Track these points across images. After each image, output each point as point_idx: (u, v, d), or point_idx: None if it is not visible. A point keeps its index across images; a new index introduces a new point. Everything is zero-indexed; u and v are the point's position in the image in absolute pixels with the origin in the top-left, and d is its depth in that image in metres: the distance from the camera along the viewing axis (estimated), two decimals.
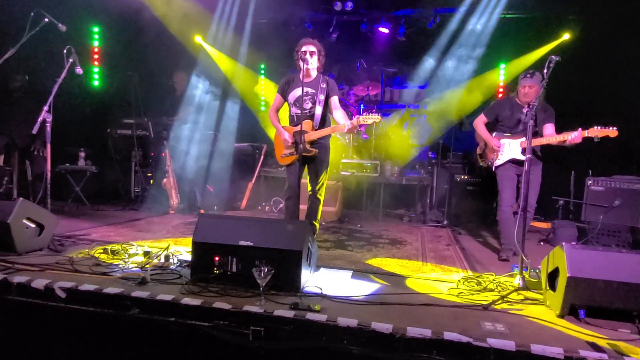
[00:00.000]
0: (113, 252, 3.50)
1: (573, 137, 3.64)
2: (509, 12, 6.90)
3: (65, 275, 2.92)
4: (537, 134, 4.02)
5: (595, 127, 3.57)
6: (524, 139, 3.97)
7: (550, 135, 3.92)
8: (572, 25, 6.63)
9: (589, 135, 3.60)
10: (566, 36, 6.69)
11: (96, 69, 6.95)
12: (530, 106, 3.20)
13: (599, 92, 5.99)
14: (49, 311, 2.63)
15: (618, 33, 5.85)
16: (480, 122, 4.33)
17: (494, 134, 4.28)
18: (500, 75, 7.52)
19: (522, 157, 3.89)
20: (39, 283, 2.67)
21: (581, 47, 6.23)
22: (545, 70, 3.18)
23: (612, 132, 3.54)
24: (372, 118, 3.79)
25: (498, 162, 4.18)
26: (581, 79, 5.93)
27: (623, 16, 5.77)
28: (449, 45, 7.40)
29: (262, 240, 2.85)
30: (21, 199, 3.41)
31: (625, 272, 2.51)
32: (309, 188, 4.14)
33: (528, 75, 3.99)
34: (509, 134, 4.18)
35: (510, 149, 4.12)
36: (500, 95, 7.31)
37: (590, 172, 5.00)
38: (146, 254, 3.44)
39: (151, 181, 6.37)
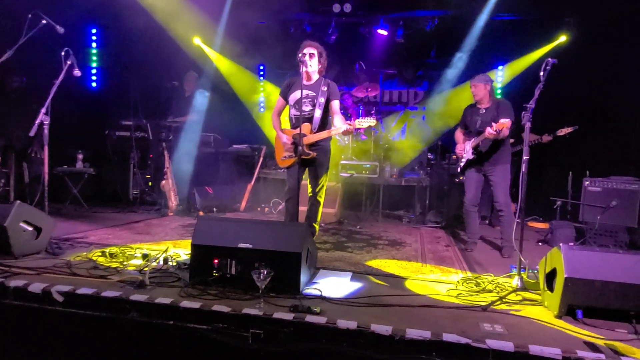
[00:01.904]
0: (111, 255, 3.49)
1: (490, 130, 3.86)
2: (506, 14, 6.92)
3: (63, 279, 2.91)
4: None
5: (504, 120, 3.83)
6: (473, 139, 4.31)
7: (486, 132, 4.02)
8: (569, 27, 6.67)
9: (497, 130, 3.84)
10: (562, 38, 6.73)
11: (94, 71, 6.95)
12: (528, 108, 3.22)
13: (596, 94, 6.03)
14: (47, 315, 2.62)
15: (613, 35, 5.89)
16: (457, 133, 4.65)
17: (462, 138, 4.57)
18: (499, 77, 7.55)
19: (470, 157, 4.33)
20: (36, 287, 2.66)
21: (577, 49, 6.27)
22: (541, 73, 3.20)
23: (504, 124, 3.79)
24: (367, 122, 3.80)
25: (461, 164, 4.47)
26: (578, 80, 5.96)
27: (618, 19, 5.80)
28: (448, 47, 7.43)
29: (261, 243, 2.85)
30: (18, 201, 3.40)
31: (622, 273, 2.53)
32: (309, 190, 4.14)
33: (473, 77, 4.35)
34: (472, 137, 4.38)
35: (466, 151, 4.37)
36: (499, 94, 7.33)
37: (587, 172, 5.03)
38: (145, 256, 3.43)
39: (149, 183, 6.37)
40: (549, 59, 3.18)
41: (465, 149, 4.40)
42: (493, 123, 3.91)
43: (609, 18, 5.99)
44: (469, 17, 6.91)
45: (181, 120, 6.25)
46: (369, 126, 3.86)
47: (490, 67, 7.43)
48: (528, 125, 3.22)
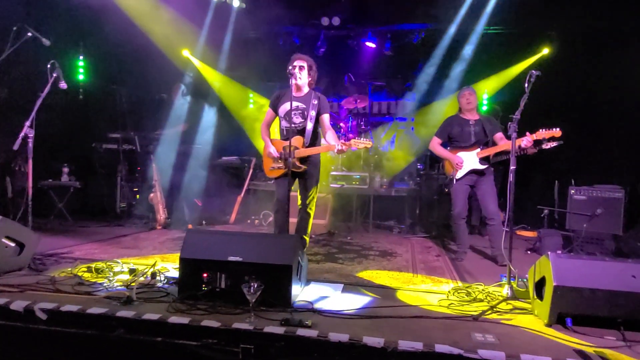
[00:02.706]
0: (97, 271, 3.42)
1: (525, 142, 3.86)
2: (491, 28, 7.08)
3: (47, 296, 2.84)
4: (487, 144, 4.36)
5: (541, 130, 3.83)
6: (479, 149, 4.32)
7: (506, 142, 4.15)
8: (551, 40, 6.84)
9: (537, 138, 3.86)
10: (545, 51, 6.89)
11: (81, 84, 6.89)
12: (514, 119, 3.27)
13: (579, 104, 6.17)
14: (30, 334, 2.54)
15: (593, 48, 6.04)
16: (435, 144, 4.61)
17: (447, 148, 4.56)
18: (484, 88, 7.67)
19: (480, 167, 4.31)
20: (19, 305, 2.59)
21: (560, 61, 6.42)
22: (526, 84, 3.26)
23: (556, 132, 3.76)
24: (364, 143, 3.81)
25: (459, 175, 4.41)
26: (561, 92, 6.09)
27: (597, 33, 5.96)
28: (435, 59, 7.54)
29: (251, 255, 2.82)
30: (0, 216, 3.32)
31: (609, 280, 2.56)
32: (299, 202, 4.13)
33: (465, 87, 4.49)
34: (464, 148, 4.40)
35: (468, 161, 4.35)
36: (484, 107, 7.45)
37: (573, 181, 5.10)
38: (132, 271, 3.37)
39: (137, 196, 6.29)
40: (533, 70, 3.25)
41: (463, 160, 4.34)
42: (533, 133, 3.82)
43: (588, 32, 6.15)
44: (454, 30, 7.04)
45: (170, 132, 6.22)
46: (365, 147, 3.87)
47: (476, 79, 7.55)
48: (514, 135, 3.27)
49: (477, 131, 4.36)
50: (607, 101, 5.84)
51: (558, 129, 3.77)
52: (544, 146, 5.21)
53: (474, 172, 4.35)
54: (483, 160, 4.33)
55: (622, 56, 5.63)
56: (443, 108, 7.57)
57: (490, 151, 4.27)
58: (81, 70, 6.90)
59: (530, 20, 6.67)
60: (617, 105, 5.77)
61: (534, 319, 2.75)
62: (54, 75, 3.83)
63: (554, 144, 5.11)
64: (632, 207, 4.93)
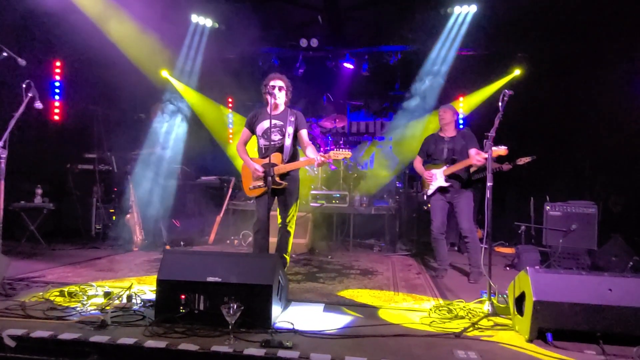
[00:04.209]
0: (70, 295, 3.30)
1: (479, 158, 4.01)
2: (465, 50, 7.33)
3: (16, 322, 2.71)
4: (454, 161, 4.39)
5: (497, 147, 3.77)
6: (445, 167, 4.38)
7: (466, 159, 4.23)
8: (522, 62, 7.12)
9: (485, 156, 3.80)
10: (517, 72, 7.17)
11: (57, 104, 6.76)
12: (489, 137, 3.35)
13: (551, 123, 6.39)
14: None
15: (562, 69, 6.31)
16: (416, 163, 4.71)
17: (426, 165, 4.66)
18: (460, 107, 7.90)
19: (445, 184, 4.37)
20: None
21: (531, 82, 6.68)
22: (500, 103, 3.36)
23: (502, 150, 3.72)
24: (342, 154, 3.85)
25: (429, 192, 4.52)
26: (534, 111, 6.31)
27: (565, 55, 6.24)
28: (411, 80, 7.74)
29: (230, 276, 2.77)
30: None
31: (588, 294, 2.60)
32: (279, 220, 4.10)
33: (442, 105, 4.63)
34: (437, 165, 4.50)
35: (436, 178, 4.44)
36: (461, 125, 7.64)
37: (547, 197, 5.24)
38: (107, 294, 3.26)
39: (113, 217, 6.14)
40: (506, 90, 3.36)
41: (434, 177, 4.46)
42: (488, 150, 3.89)
43: (556, 54, 6.43)
44: (430, 52, 7.27)
45: (147, 152, 6.14)
46: (344, 157, 3.91)
47: (451, 99, 7.77)
48: (490, 152, 3.35)
49: (449, 148, 4.41)
50: (577, 119, 6.07)
51: (505, 148, 3.75)
52: (518, 162, 5.38)
53: (440, 189, 4.42)
54: (450, 177, 4.39)
55: (589, 76, 5.90)
56: (420, 127, 7.74)
57: (453, 169, 4.33)
58: (57, 90, 6.79)
59: (501, 42, 6.96)
60: (586, 123, 5.99)
61: (515, 335, 2.77)
62: (29, 95, 3.75)
63: (528, 159, 5.28)
64: (604, 222, 5.08)
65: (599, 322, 2.56)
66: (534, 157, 5.25)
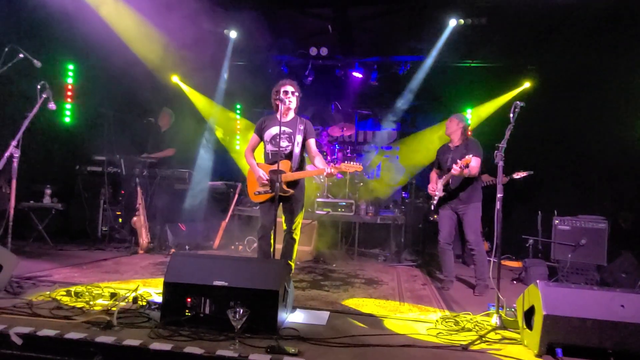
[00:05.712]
0: (77, 295, 3.30)
1: (455, 167, 3.99)
2: (474, 61, 7.34)
3: (23, 320, 2.72)
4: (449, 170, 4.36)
5: (468, 156, 3.90)
6: (443, 177, 4.42)
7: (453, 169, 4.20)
8: (531, 75, 7.12)
9: (462, 166, 3.95)
10: (527, 84, 7.15)
11: (68, 106, 6.84)
12: (500, 148, 3.35)
13: (561, 136, 6.36)
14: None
15: (573, 83, 6.30)
16: (432, 174, 4.74)
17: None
18: (467, 119, 7.88)
19: (440, 194, 4.44)
20: None
21: (539, 95, 6.66)
22: (511, 115, 3.36)
23: (467, 160, 3.85)
24: (354, 167, 3.86)
25: (434, 203, 4.55)
26: (544, 124, 6.28)
27: (576, 69, 6.23)
28: (420, 90, 7.75)
29: (237, 280, 2.77)
30: None
31: (600, 310, 2.56)
32: (285, 227, 4.10)
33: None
34: (441, 175, 4.51)
35: (438, 189, 4.48)
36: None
37: (555, 212, 5.19)
38: (113, 296, 3.26)
39: (120, 219, 6.16)
40: (517, 102, 3.36)
41: (437, 187, 4.48)
42: (458, 160, 4.00)
43: (567, 68, 6.42)
44: (439, 63, 7.29)
45: (156, 157, 6.18)
46: (356, 171, 3.91)
47: (460, 110, 7.77)
48: (501, 164, 3.33)
49: (452, 157, 4.37)
50: (586, 133, 6.03)
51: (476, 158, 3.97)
52: (514, 176, 5.34)
53: (448, 199, 4.42)
54: (443, 187, 4.41)
55: (599, 89, 5.87)
56: (427, 138, 7.74)
57: (445, 179, 4.33)
58: (69, 92, 6.86)
59: (511, 54, 6.96)
60: (595, 137, 5.95)
61: (523, 350, 2.73)
62: (44, 95, 3.80)
63: (524, 173, 5.25)
64: (614, 238, 5.03)
65: (611, 338, 2.52)
66: (531, 172, 5.22)
